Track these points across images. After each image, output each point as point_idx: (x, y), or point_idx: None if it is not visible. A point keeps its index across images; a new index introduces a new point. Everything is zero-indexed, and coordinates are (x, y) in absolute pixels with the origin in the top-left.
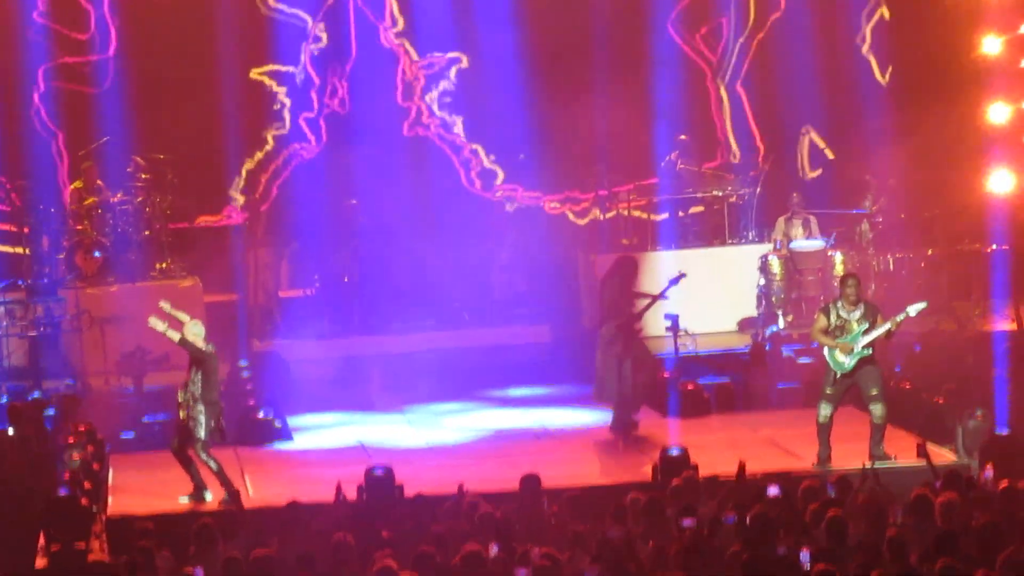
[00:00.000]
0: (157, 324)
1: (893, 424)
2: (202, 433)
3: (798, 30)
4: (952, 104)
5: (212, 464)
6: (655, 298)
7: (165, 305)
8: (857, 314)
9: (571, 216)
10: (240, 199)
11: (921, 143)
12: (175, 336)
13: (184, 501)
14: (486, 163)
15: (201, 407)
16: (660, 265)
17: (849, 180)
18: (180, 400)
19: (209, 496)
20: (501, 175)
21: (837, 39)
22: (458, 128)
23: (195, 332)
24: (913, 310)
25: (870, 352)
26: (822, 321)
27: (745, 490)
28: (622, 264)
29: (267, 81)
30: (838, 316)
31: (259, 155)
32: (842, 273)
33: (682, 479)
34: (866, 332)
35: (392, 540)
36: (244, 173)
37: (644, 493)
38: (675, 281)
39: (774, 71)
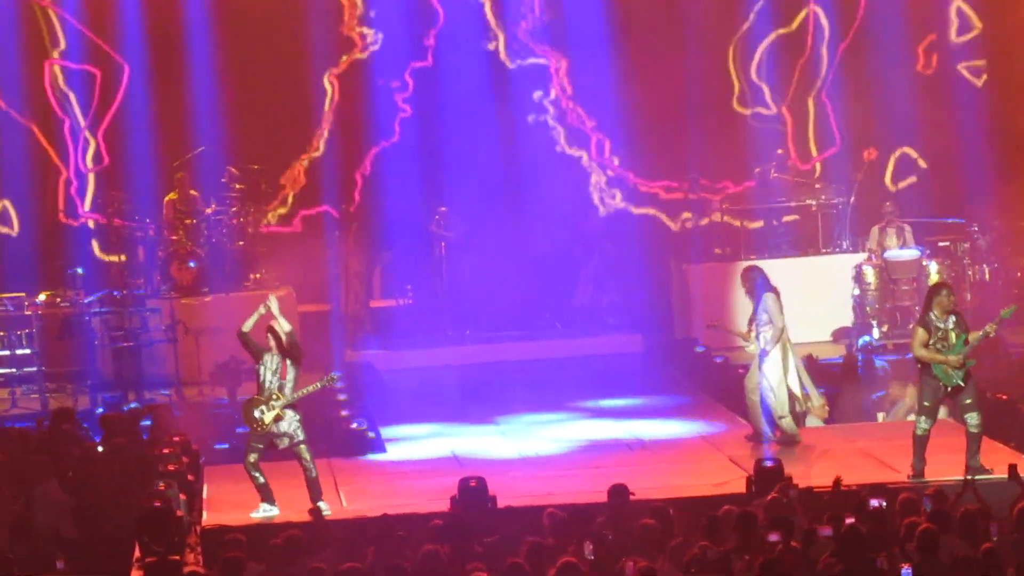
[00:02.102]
0: (274, 304)
1: (989, 436)
2: (303, 433)
3: (886, 37)
4: None
5: (314, 471)
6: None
7: (273, 304)
8: (951, 323)
9: (665, 219)
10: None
11: (1014, 150)
12: (287, 326)
13: (258, 516)
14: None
15: (296, 412)
16: None
17: (944, 189)
18: (270, 407)
19: (276, 510)
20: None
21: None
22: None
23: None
24: (1005, 313)
25: (973, 362)
26: (923, 335)
27: (843, 502)
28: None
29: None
30: (936, 328)
31: (348, 160)
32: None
33: (777, 491)
34: (966, 342)
35: (484, 553)
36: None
37: (737, 505)
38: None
39: (862, 80)
